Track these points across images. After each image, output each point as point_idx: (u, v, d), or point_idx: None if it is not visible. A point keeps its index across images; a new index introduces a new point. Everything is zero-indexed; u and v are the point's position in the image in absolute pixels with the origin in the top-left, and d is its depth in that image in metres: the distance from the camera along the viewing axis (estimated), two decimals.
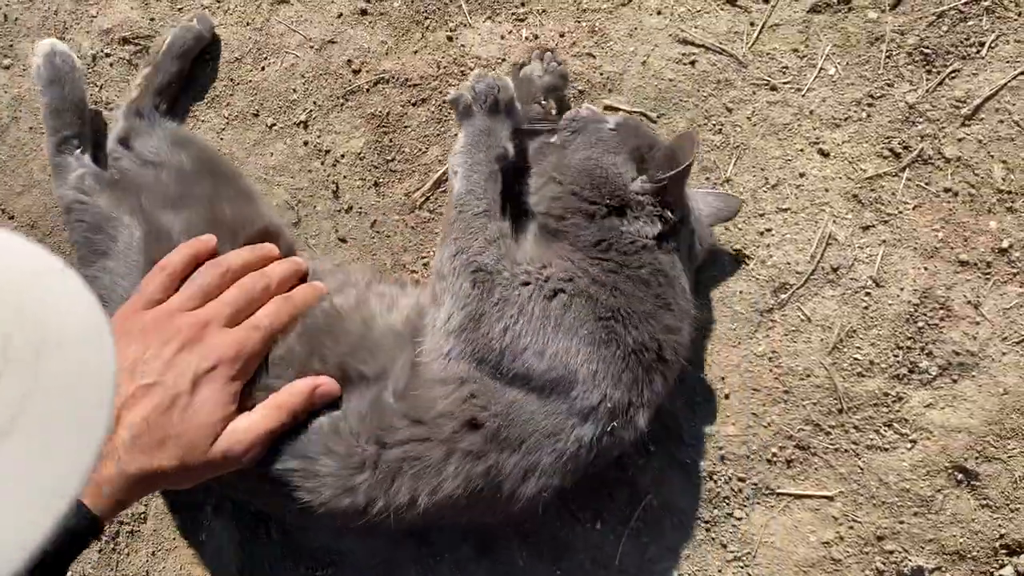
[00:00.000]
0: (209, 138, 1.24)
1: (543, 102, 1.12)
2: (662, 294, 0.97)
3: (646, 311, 0.96)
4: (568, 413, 0.92)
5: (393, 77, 1.22)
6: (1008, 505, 1.09)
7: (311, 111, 1.23)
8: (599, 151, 1.01)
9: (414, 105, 1.21)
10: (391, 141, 1.21)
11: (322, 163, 1.22)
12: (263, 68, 1.24)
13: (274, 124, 1.23)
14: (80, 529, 0.80)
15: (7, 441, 0.43)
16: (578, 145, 1.03)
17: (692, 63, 1.18)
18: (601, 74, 1.19)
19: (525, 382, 0.93)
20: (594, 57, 1.19)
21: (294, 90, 1.23)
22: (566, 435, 0.92)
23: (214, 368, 0.89)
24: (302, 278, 1.04)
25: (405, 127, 1.21)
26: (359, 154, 1.21)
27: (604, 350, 0.93)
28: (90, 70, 1.27)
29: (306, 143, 1.22)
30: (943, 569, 1.10)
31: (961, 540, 1.09)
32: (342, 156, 1.21)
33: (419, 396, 0.93)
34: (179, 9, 1.26)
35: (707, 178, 1.16)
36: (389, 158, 1.21)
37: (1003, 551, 1.09)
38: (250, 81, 1.24)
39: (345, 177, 1.21)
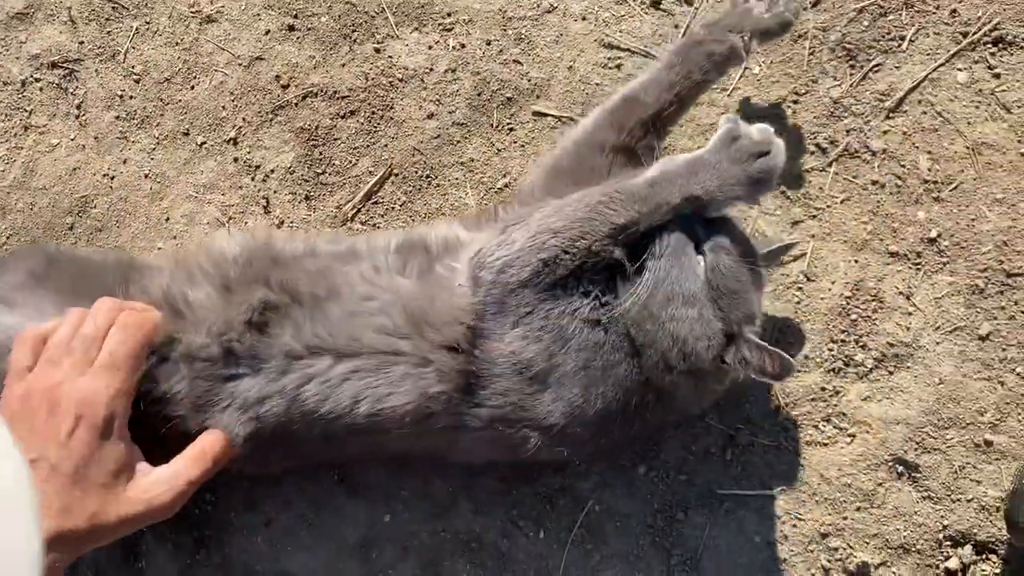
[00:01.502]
0: (140, 159, 1.23)
1: (745, 38, 1.05)
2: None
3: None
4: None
5: (321, 91, 1.22)
6: (949, 496, 1.08)
7: (240, 127, 1.22)
8: (690, 315, 0.93)
9: (343, 117, 1.21)
10: (321, 154, 1.21)
11: (252, 179, 1.21)
12: (192, 87, 1.24)
13: (204, 142, 1.23)
14: None
15: None
16: (667, 293, 0.93)
17: (618, 67, 1.19)
18: (529, 80, 1.19)
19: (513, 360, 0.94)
20: (521, 64, 1.19)
21: (223, 107, 1.23)
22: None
23: (77, 426, 0.87)
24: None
25: (335, 140, 1.21)
26: (289, 168, 1.21)
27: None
28: (20, 96, 1.27)
29: (236, 159, 1.22)
30: (888, 564, 1.09)
31: (905, 533, 1.08)
32: (272, 171, 1.21)
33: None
34: (107, 32, 1.26)
35: None
36: (319, 171, 1.21)
37: (947, 543, 1.08)
38: (180, 100, 1.24)
39: (275, 192, 1.21)
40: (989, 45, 1.14)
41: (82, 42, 1.27)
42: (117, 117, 1.25)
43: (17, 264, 1.04)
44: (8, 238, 1.24)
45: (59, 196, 1.24)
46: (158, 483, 0.89)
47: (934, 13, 1.15)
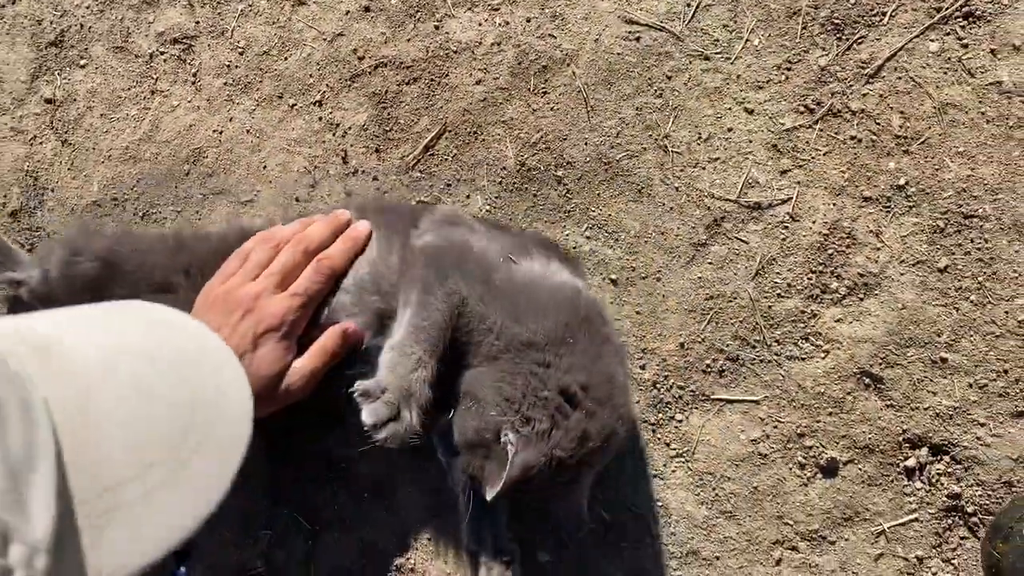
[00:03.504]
0: (243, 118, 1.51)
1: None
2: None
3: None
4: None
5: (391, 61, 1.46)
6: (909, 405, 1.27)
7: (324, 92, 1.48)
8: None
9: (407, 84, 1.46)
10: (389, 115, 1.46)
11: (333, 135, 1.47)
12: (286, 58, 1.51)
13: (295, 104, 1.49)
14: None
15: (192, 461, 0.69)
16: None
17: (637, 39, 1.40)
18: (561, 51, 1.41)
19: None
20: (555, 37, 1.42)
21: (311, 76, 1.49)
22: None
23: (266, 332, 1.15)
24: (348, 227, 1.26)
25: (400, 103, 1.46)
26: (363, 126, 1.46)
27: None
28: (148, 66, 1.55)
29: (320, 119, 1.48)
30: (855, 461, 1.28)
31: (870, 436, 1.28)
32: (349, 128, 1.47)
33: None
34: (218, 14, 1.54)
35: (650, 135, 1.37)
36: (387, 129, 1.46)
37: (907, 445, 1.27)
38: (275, 70, 1.51)
39: (352, 145, 1.46)
40: (959, 19, 1.31)
41: (198, 22, 1.54)
42: (225, 83, 1.52)
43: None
44: (138, 181, 1.53)
45: (178, 148, 1.52)
46: (292, 373, 1.16)
47: None
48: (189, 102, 1.53)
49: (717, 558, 1.30)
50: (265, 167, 1.49)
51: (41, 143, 1.58)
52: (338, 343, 1.18)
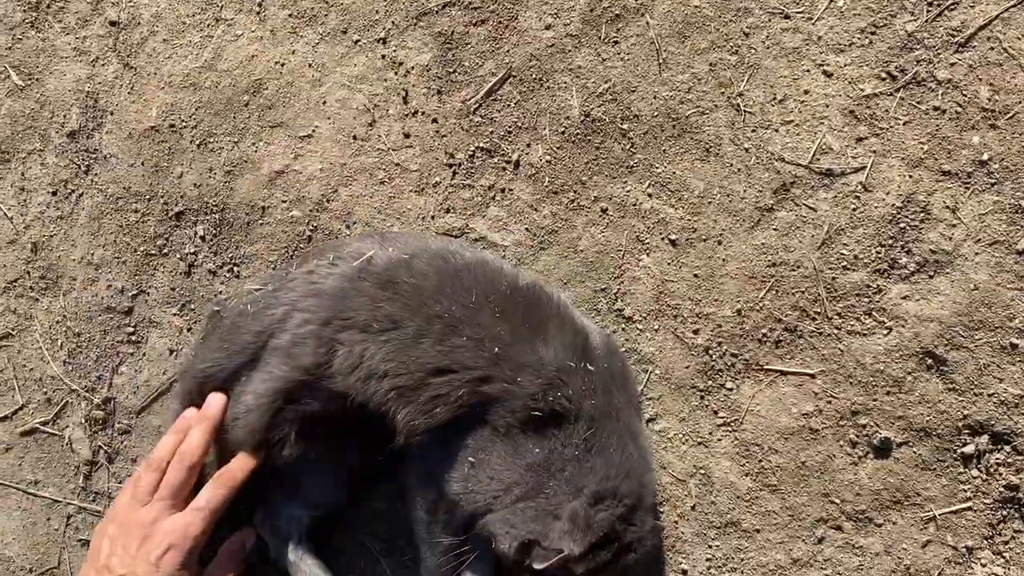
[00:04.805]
0: (305, 51, 1.48)
1: None
2: None
3: None
4: None
5: (459, 0, 1.43)
6: (972, 390, 1.22)
7: (389, 29, 1.45)
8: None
9: (474, 25, 1.42)
10: (453, 56, 1.42)
11: (396, 73, 1.44)
12: None
13: (359, 40, 1.47)
14: None
15: None
16: None
17: None
18: (638, 0, 1.37)
19: None
20: None
21: (377, 11, 1.46)
22: None
23: (167, 552, 1.16)
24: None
25: (466, 44, 1.42)
26: (426, 67, 1.43)
27: None
28: None
29: (383, 56, 1.45)
30: (910, 443, 1.24)
31: (928, 419, 1.23)
32: (412, 68, 1.44)
33: None
34: None
35: (722, 93, 1.33)
36: (451, 70, 1.42)
37: (966, 431, 1.22)
38: (341, 3, 1.48)
39: (414, 86, 1.43)
40: None
41: None
42: (290, 15, 1.50)
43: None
44: (197, 109, 1.51)
45: (239, 77, 1.51)
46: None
47: None
48: (252, 32, 1.51)
49: (757, 531, 1.27)
50: (325, 102, 1.47)
51: (103, 65, 1.57)
52: (241, 548, 1.27)
